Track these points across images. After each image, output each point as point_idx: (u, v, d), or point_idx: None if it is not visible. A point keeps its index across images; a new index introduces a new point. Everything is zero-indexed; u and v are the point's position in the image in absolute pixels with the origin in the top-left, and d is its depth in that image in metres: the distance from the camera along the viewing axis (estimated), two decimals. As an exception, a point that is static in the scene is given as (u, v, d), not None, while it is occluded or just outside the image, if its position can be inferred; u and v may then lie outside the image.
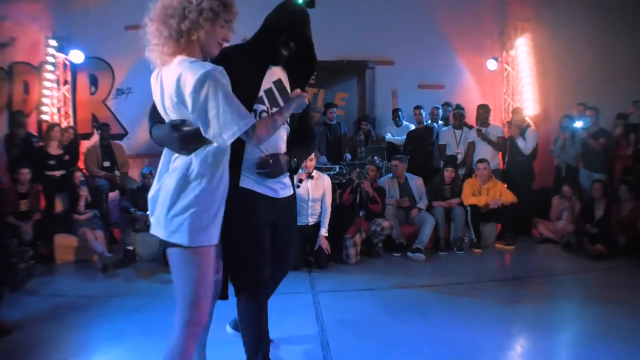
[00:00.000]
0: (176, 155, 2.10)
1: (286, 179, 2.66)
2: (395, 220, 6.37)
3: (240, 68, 2.41)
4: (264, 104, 2.52)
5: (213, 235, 2.10)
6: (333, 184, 6.35)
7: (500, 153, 7.65)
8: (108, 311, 4.39)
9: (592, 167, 7.16)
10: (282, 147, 2.58)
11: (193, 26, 2.03)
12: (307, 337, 3.59)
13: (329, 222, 5.84)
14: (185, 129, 2.03)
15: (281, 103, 2.56)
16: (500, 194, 6.72)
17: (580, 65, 8.37)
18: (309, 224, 5.83)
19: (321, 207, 5.84)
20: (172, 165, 2.11)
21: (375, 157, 6.79)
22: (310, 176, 5.76)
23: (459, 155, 7.57)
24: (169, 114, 2.09)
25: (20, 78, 8.85)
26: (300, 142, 2.73)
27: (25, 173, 6.32)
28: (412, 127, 8.26)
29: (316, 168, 6.18)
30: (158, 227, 2.08)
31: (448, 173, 6.86)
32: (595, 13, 8.49)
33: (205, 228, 2.06)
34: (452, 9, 9.00)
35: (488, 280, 5.19)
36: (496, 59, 8.87)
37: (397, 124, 8.50)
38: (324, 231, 5.75)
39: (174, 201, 2.03)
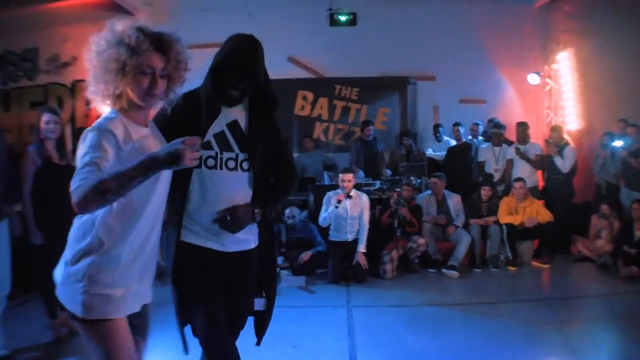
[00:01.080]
0: None
1: (241, 233, 2.33)
2: (431, 236, 6.58)
3: (184, 115, 2.25)
4: (212, 149, 2.32)
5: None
6: (372, 200, 6.62)
7: (540, 171, 7.72)
8: (163, 318, 4.71)
9: (632, 185, 7.12)
10: (238, 198, 2.31)
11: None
12: (337, 350, 3.88)
13: (367, 237, 6.13)
14: None
15: (234, 147, 2.35)
16: (537, 213, 6.81)
17: (623, 80, 8.26)
18: (348, 240, 6.14)
19: (359, 225, 6.13)
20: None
21: (412, 178, 7.02)
22: (348, 196, 6.06)
23: (497, 173, 7.67)
24: None
25: (82, 94, 9.45)
26: (275, 186, 2.48)
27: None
28: (453, 142, 8.41)
29: (357, 183, 6.49)
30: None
31: (485, 192, 7.01)
32: (640, 27, 8.42)
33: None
34: (493, 22, 9.06)
35: (520, 300, 5.33)
36: (538, 73, 8.84)
37: (438, 139, 8.67)
38: (361, 247, 6.03)
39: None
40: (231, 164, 2.33)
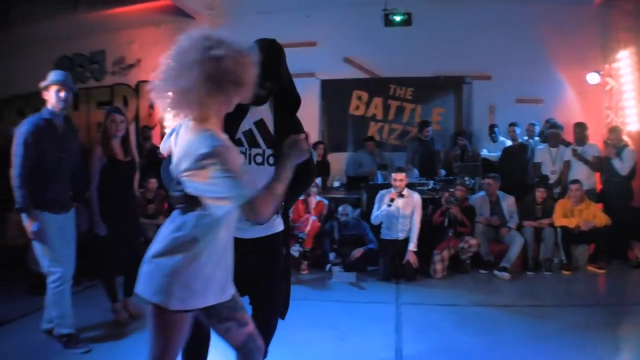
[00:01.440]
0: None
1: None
2: (483, 237, 6.58)
3: None
4: (242, 145, 2.52)
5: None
6: (425, 200, 6.69)
7: (598, 173, 7.57)
8: None
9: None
10: None
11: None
12: (384, 344, 4.01)
13: (419, 236, 6.21)
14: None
15: (261, 143, 2.55)
16: (594, 216, 6.69)
17: (686, 79, 8.02)
18: (399, 239, 6.24)
19: (410, 223, 6.22)
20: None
21: (465, 178, 7.03)
22: (401, 195, 6.15)
23: (554, 175, 7.57)
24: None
25: (145, 95, 10.00)
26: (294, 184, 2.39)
27: (153, 183, 7.26)
28: (509, 143, 8.32)
29: (410, 183, 6.57)
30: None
31: (540, 193, 6.93)
32: None
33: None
34: (551, 21, 8.88)
35: (571, 304, 5.24)
36: (598, 73, 8.61)
37: (494, 139, 8.62)
38: (412, 246, 6.13)
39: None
40: (259, 159, 2.53)
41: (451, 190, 6.81)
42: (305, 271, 6.39)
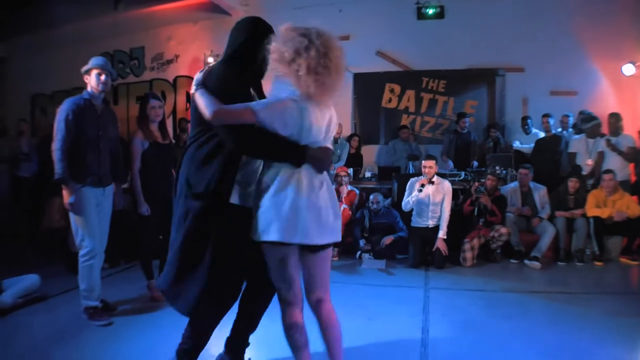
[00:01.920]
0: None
1: None
2: (515, 227, 6.60)
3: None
4: None
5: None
6: (456, 190, 6.75)
7: (632, 164, 7.48)
8: None
9: None
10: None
11: None
12: (411, 323, 4.12)
13: (449, 224, 6.28)
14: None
15: None
16: (627, 207, 6.64)
17: None
18: (429, 226, 6.33)
19: (440, 211, 6.29)
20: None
21: (497, 167, 7.04)
22: (431, 182, 6.23)
23: (587, 167, 7.52)
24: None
25: (183, 90, 10.34)
26: None
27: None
28: (542, 134, 8.28)
29: (443, 174, 6.65)
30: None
31: (572, 183, 6.90)
32: None
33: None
34: (585, 11, 8.81)
35: (601, 292, 5.24)
36: (634, 63, 8.50)
37: (526, 131, 8.59)
38: (442, 234, 6.20)
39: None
40: None
41: (482, 180, 6.86)
42: (335, 258, 6.52)
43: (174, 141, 4.99)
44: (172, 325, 3.13)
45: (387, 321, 4.17)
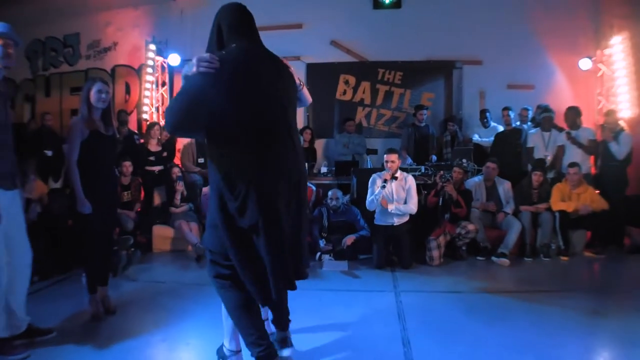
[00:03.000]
0: None
1: None
2: (480, 223, 6.33)
3: None
4: None
5: None
6: (418, 185, 6.42)
7: (592, 157, 7.39)
8: (202, 298, 4.69)
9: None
10: None
11: None
12: (389, 334, 3.70)
13: (414, 223, 5.99)
14: None
15: None
16: (591, 200, 6.51)
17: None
18: (394, 224, 5.93)
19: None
20: None
21: (463, 160, 6.76)
22: (394, 177, 5.86)
23: (548, 159, 7.37)
24: None
25: (122, 80, 9.62)
26: None
27: (128, 166, 6.81)
28: (501, 128, 8.11)
29: (402, 169, 6.29)
30: None
31: (536, 177, 6.72)
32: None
33: None
34: (543, 5, 8.77)
35: (574, 290, 5.04)
36: (590, 58, 8.51)
37: (485, 125, 8.40)
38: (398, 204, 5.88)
39: None
40: None
41: (446, 175, 6.56)
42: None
43: (117, 134, 4.33)
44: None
45: (361, 333, 3.73)
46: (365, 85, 9.15)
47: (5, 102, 3.42)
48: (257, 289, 2.67)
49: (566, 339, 3.61)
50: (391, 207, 5.81)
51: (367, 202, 5.97)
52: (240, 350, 3.05)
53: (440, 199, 6.15)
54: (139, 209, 6.86)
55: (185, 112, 2.54)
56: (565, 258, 6.29)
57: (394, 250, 5.96)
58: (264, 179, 2.60)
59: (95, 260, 4.13)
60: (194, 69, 2.51)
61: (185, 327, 3.94)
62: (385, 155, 6.00)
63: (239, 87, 2.58)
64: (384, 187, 5.78)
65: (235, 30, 2.77)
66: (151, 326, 3.93)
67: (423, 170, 7.30)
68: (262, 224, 2.58)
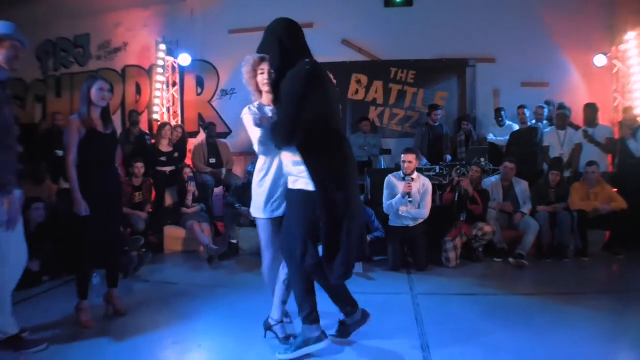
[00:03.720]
0: None
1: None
2: (497, 224, 6.21)
3: None
4: None
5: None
6: (433, 185, 6.32)
7: (610, 155, 7.25)
8: (214, 300, 4.67)
9: None
10: None
11: None
12: (407, 338, 3.61)
13: (430, 224, 5.88)
14: None
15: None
16: (610, 199, 6.38)
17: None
18: (409, 226, 5.82)
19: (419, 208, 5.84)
20: None
21: (481, 159, 6.65)
22: (410, 177, 5.75)
23: (563, 157, 7.25)
24: None
25: (132, 80, 9.62)
26: None
27: (140, 167, 6.77)
28: (516, 127, 8.00)
29: (417, 169, 6.18)
30: None
31: (553, 176, 6.60)
32: None
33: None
34: (556, 2, 8.67)
35: (595, 292, 4.93)
36: (605, 55, 8.38)
37: (500, 124, 8.29)
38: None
39: None
40: None
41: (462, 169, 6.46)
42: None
43: (117, 132, 4.24)
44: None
45: (380, 337, 3.62)
46: (378, 84, 9.07)
47: (9, 105, 3.33)
48: (345, 268, 3.09)
49: (587, 341, 3.51)
50: (402, 210, 5.71)
51: (384, 205, 5.86)
52: (282, 321, 3.50)
53: (456, 194, 6.04)
54: (150, 210, 6.81)
55: (298, 122, 3.01)
56: (585, 259, 6.15)
57: (410, 251, 5.86)
58: (351, 172, 3.20)
59: (91, 264, 4.02)
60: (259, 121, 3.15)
61: (197, 329, 3.89)
62: (402, 155, 5.87)
63: (328, 94, 3.15)
64: (409, 200, 5.66)
65: (301, 46, 3.22)
66: (162, 327, 3.87)
67: (438, 170, 7.19)
68: (352, 212, 3.09)
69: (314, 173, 3.05)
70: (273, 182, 3.33)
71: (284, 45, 3.14)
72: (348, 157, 3.22)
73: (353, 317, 3.50)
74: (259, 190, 3.37)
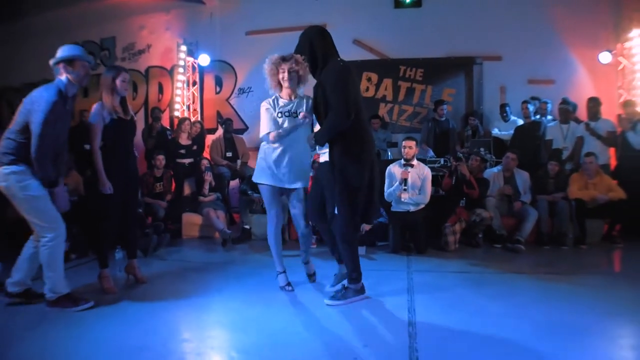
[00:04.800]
0: None
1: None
2: (496, 211, 6.48)
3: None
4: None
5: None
6: (436, 176, 6.61)
7: (612, 149, 7.44)
8: (225, 274, 5.08)
9: None
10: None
11: None
12: (396, 303, 3.92)
13: (429, 210, 6.16)
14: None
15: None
16: (608, 190, 6.58)
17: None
18: (410, 211, 6.12)
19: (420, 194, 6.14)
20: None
21: (481, 149, 6.91)
22: (410, 164, 6.06)
23: (566, 151, 7.45)
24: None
25: (155, 80, 10.07)
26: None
27: (161, 159, 7.21)
28: (520, 122, 8.20)
29: (422, 161, 6.49)
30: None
31: (552, 167, 6.83)
32: None
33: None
34: (562, 0, 8.85)
35: (587, 272, 5.13)
36: (610, 52, 8.53)
37: (504, 119, 8.51)
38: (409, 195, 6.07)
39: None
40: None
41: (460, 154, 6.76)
42: (314, 245, 6.32)
43: (135, 118, 4.67)
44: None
45: (371, 302, 3.96)
46: (387, 82, 9.37)
47: (63, 119, 3.86)
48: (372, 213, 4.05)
49: (570, 311, 3.68)
50: (405, 197, 6.01)
51: (385, 193, 6.20)
52: (284, 271, 4.36)
53: (454, 178, 6.32)
54: (170, 198, 7.23)
55: (351, 104, 3.66)
56: (583, 246, 6.32)
57: (410, 236, 6.16)
58: (373, 149, 3.99)
59: (110, 237, 4.48)
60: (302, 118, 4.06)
61: (209, 295, 4.25)
62: (403, 142, 6.21)
63: (357, 86, 4.01)
64: (404, 189, 5.98)
65: (329, 48, 3.90)
66: (178, 294, 4.26)
67: (442, 162, 7.46)
68: (375, 175, 3.91)
69: (350, 146, 3.73)
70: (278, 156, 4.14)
71: (314, 46, 3.88)
72: (367, 141, 3.84)
73: (355, 285, 3.96)
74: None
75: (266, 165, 4.18)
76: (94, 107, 4.30)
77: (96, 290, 4.29)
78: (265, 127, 4.11)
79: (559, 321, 3.49)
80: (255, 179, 4.27)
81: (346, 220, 3.78)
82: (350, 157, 3.73)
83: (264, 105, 4.13)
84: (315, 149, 4.07)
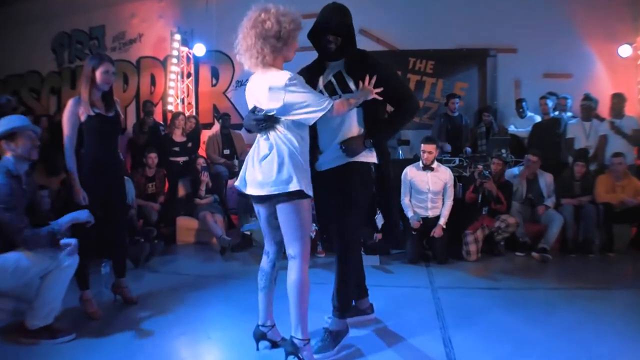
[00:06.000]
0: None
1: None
2: (520, 217, 6.01)
3: (305, 72, 3.15)
4: (324, 94, 3.04)
5: None
6: (454, 178, 6.14)
7: (636, 147, 7.02)
8: (224, 291, 4.59)
9: None
10: (349, 132, 3.10)
11: (284, 46, 2.75)
12: (428, 333, 3.44)
13: (449, 217, 5.67)
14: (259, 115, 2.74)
15: (339, 91, 3.11)
16: (637, 192, 6.15)
17: None
18: (429, 217, 5.67)
19: (443, 201, 5.68)
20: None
21: (502, 150, 6.44)
22: (430, 168, 5.58)
23: (590, 150, 7.01)
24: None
25: (147, 72, 9.55)
26: (389, 116, 3.28)
27: (153, 157, 6.67)
28: (538, 118, 7.75)
29: (439, 161, 6.02)
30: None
31: (579, 168, 6.38)
32: None
33: None
34: (580, -8, 8.40)
35: (624, 287, 4.74)
36: (630, 45, 8.10)
37: (521, 115, 8.03)
38: (442, 221, 5.60)
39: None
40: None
41: (480, 166, 6.26)
42: (322, 254, 5.84)
43: (122, 115, 4.10)
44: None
45: (400, 332, 3.46)
46: (396, 75, 8.85)
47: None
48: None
49: (620, 338, 3.31)
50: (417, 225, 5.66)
51: (402, 202, 5.77)
52: (310, 339, 2.88)
53: (480, 195, 5.84)
54: (162, 201, 6.70)
55: None
56: (611, 254, 5.93)
57: (428, 244, 5.69)
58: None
59: (87, 254, 3.73)
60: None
61: (206, 319, 3.80)
62: (422, 145, 5.71)
63: None
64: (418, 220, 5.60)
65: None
66: (171, 318, 3.78)
67: (457, 162, 7.00)
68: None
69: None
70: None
71: (351, 27, 3.24)
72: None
73: (338, 324, 3.18)
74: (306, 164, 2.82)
75: (307, 166, 2.83)
76: (69, 101, 3.73)
77: (79, 315, 3.75)
78: (317, 98, 2.72)
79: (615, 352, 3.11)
80: (304, 186, 2.71)
81: (357, 225, 3.22)
82: (387, 156, 3.31)
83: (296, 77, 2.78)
84: (368, 148, 3.14)
